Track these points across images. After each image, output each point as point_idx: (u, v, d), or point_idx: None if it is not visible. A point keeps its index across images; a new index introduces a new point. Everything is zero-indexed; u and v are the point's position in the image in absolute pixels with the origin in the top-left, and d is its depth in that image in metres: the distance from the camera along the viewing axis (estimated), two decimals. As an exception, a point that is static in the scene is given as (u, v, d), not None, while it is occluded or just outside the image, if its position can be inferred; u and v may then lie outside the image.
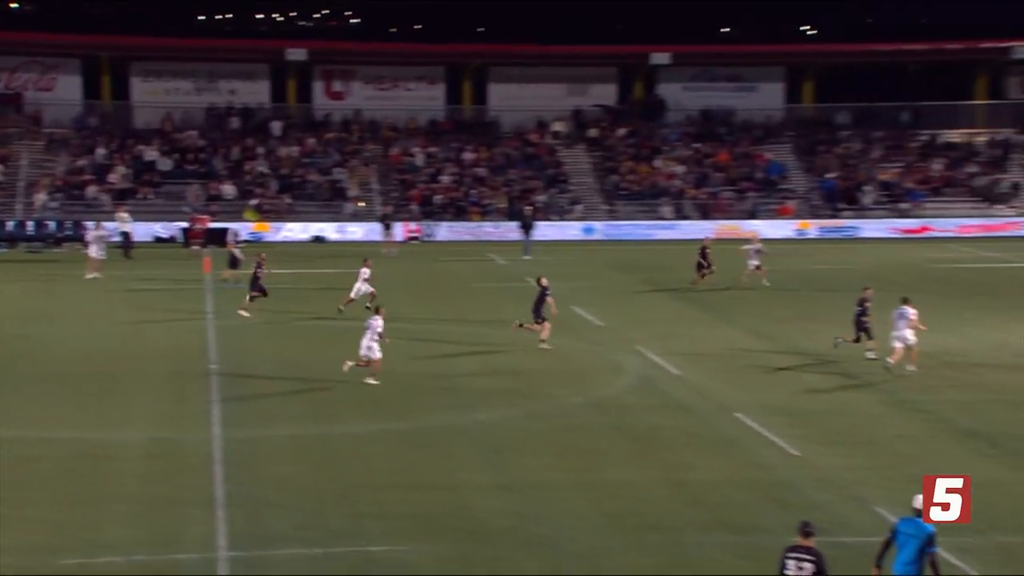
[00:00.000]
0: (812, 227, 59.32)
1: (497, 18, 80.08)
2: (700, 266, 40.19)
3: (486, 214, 60.70)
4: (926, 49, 73.38)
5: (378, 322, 26.35)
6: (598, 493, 19.54)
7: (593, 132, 66.80)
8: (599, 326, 33.93)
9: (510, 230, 57.46)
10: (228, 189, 60.38)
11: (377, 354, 26.20)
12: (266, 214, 58.56)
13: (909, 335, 27.73)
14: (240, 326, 33.88)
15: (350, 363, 26.52)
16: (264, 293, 35.03)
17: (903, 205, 61.60)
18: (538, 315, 30.39)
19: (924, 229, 58.98)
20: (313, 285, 40.13)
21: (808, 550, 13.24)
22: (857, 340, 28.89)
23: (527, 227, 53.04)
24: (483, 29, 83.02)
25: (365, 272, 35.26)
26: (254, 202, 59.31)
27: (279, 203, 59.90)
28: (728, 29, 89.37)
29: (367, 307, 32.31)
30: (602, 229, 60.00)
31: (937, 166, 64.14)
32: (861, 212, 61.37)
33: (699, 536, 17.59)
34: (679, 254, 52.64)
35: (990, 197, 61.95)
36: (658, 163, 64.75)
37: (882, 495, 19.29)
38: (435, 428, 23.43)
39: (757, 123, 67.54)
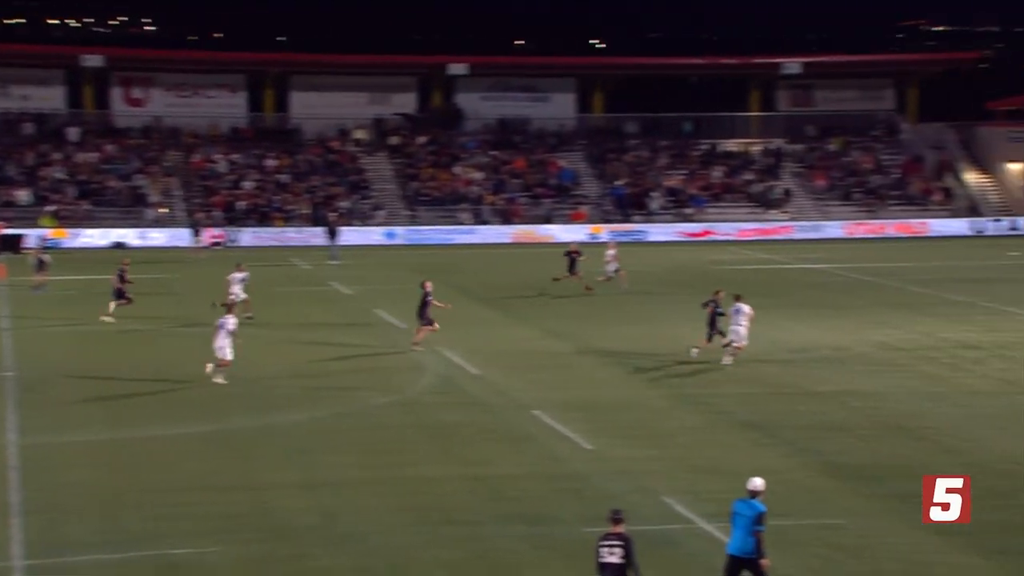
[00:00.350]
0: (604, 231, 60.27)
1: (298, 27, 79.21)
2: (571, 267, 39.82)
3: (289, 220, 59.93)
4: (705, 63, 75.89)
5: (230, 322, 26.22)
6: (401, 490, 19.41)
7: (394, 140, 66.61)
8: (401, 328, 33.78)
9: (313, 235, 56.86)
10: (22, 195, 58.22)
11: (229, 355, 25.97)
12: (64, 220, 56.70)
13: (744, 331, 28.43)
14: (39, 333, 32.70)
15: (211, 365, 26.14)
16: (128, 300, 34.07)
17: (687, 210, 63.12)
18: (423, 318, 30.26)
19: (707, 233, 60.46)
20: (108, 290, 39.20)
21: (618, 536, 13.42)
22: (710, 340, 29.07)
23: (332, 233, 52.55)
24: (284, 38, 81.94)
25: (237, 276, 34.48)
26: (51, 208, 57.33)
27: (77, 209, 58.05)
28: (523, 42, 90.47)
29: (247, 317, 32.26)
30: (404, 234, 59.85)
31: (717, 173, 65.85)
32: (649, 217, 62.68)
33: (498, 528, 17.65)
34: (478, 258, 52.81)
35: (765, 203, 63.86)
36: (457, 170, 65.00)
37: (669, 485, 19.67)
38: (238, 430, 23.00)
39: (551, 132, 68.38)
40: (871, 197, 64.64)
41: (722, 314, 29.05)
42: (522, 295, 41.23)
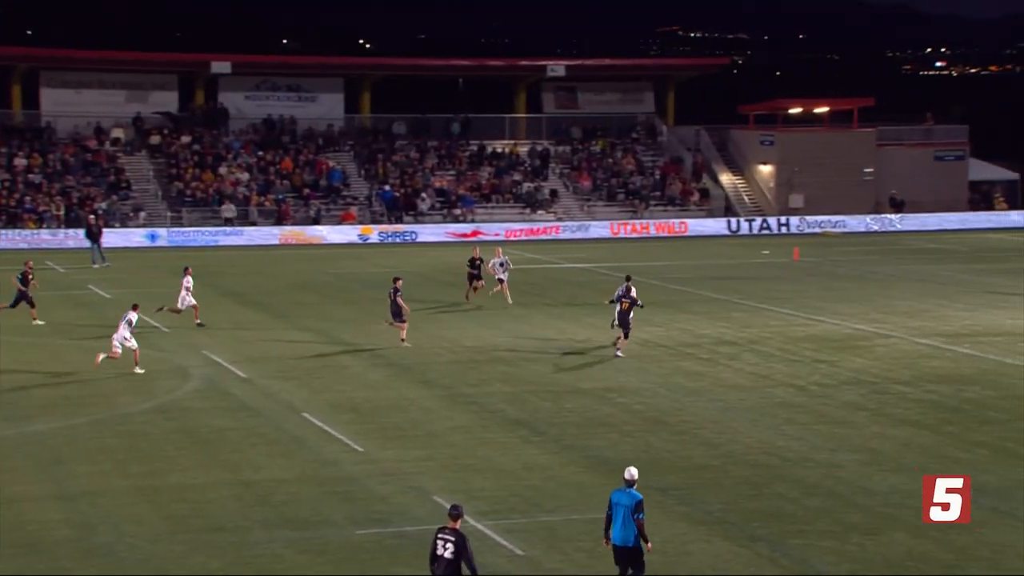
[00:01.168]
0: (374, 232, 60.06)
1: (48, 21, 75.70)
2: (472, 277, 38.05)
3: (42, 221, 57.55)
4: (472, 65, 76.61)
5: (133, 316, 27.49)
6: (162, 498, 18.89)
7: (155, 139, 64.74)
8: (165, 332, 32.91)
9: (69, 237, 54.73)
10: None
11: (135, 344, 27.35)
12: None
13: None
14: None
15: (102, 355, 27.03)
16: (31, 303, 34.19)
17: (456, 211, 63.40)
18: (398, 317, 30.77)
19: (476, 233, 60.63)
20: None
21: (453, 531, 13.62)
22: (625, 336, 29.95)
23: (94, 235, 50.63)
24: (32, 32, 78.22)
25: (187, 281, 34.19)
26: None
27: None
28: (288, 41, 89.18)
29: (198, 323, 33.14)
30: (166, 236, 58.24)
31: (485, 174, 66.31)
32: (419, 217, 62.74)
33: (264, 534, 17.31)
34: (246, 260, 51.67)
35: (532, 203, 64.55)
36: (223, 170, 63.63)
37: (440, 484, 19.68)
38: (-12, 443, 22.03)
39: (319, 132, 67.66)
40: (634, 198, 66.07)
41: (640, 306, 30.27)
42: (292, 297, 40.62)
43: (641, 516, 14.18)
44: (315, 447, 21.93)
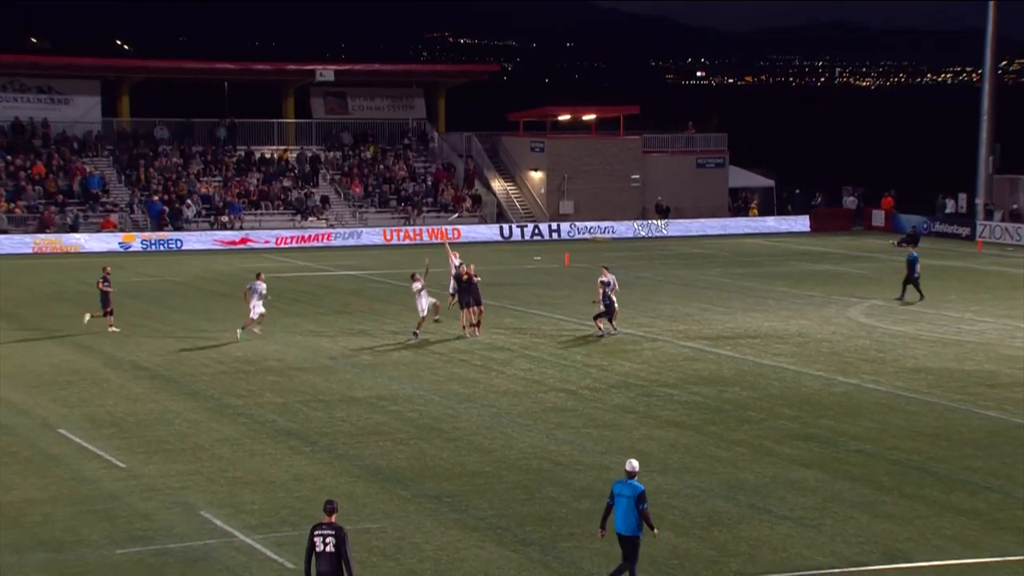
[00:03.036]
0: (136, 240, 58.27)
1: None
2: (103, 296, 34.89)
3: None
4: (238, 68, 74.82)
5: (261, 285, 30.49)
6: (-96, 525, 18.00)
7: None
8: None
9: None
10: None
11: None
12: None
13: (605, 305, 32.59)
14: None
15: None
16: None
17: (223, 218, 62.00)
18: (470, 299, 33.19)
19: (244, 240, 59.50)
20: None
21: (330, 525, 13.85)
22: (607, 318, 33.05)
23: None
24: None
25: (260, 287, 33.49)
26: None
27: None
28: (38, 39, 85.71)
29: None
30: (-93, 245, 55.03)
31: (254, 180, 65.16)
32: (183, 225, 61.20)
33: (15, 559, 16.60)
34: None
35: (302, 210, 63.70)
36: (-31, 175, 60.64)
37: (207, 499, 19.32)
38: None
39: (74, 136, 65.23)
40: (406, 204, 66.00)
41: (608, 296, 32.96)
42: (47, 309, 39.16)
43: (645, 506, 14.91)
44: (73, 464, 21.29)
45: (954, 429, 24.19)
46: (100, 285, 34.37)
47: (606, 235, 64.51)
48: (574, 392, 27.28)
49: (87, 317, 33.80)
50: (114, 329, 33.83)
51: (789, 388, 27.73)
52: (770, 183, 71.77)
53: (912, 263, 41.46)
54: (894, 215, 66.67)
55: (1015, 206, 63.20)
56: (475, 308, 33.57)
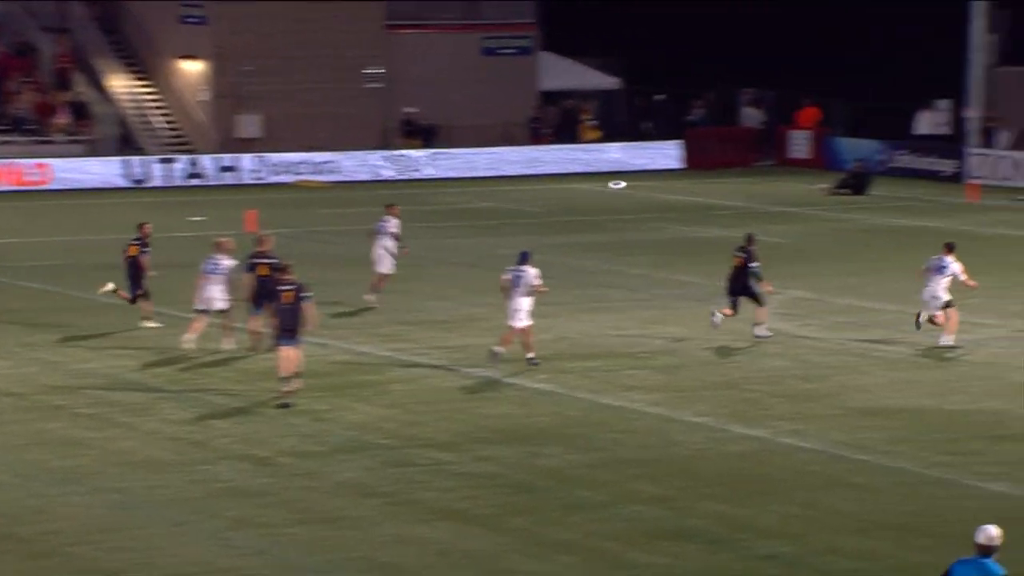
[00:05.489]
0: None
1: None
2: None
3: None
4: None
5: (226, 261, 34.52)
6: None
7: None
8: None
9: None
10: None
11: None
12: None
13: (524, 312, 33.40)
14: None
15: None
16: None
17: None
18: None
19: None
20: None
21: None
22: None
23: None
24: None
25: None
26: None
27: None
28: None
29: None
30: None
31: None
32: None
33: None
34: None
35: None
36: None
37: None
38: None
39: None
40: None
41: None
42: None
43: None
44: None
45: (937, 517, 24.31)
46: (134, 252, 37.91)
47: (322, 176, 64.54)
48: (267, 460, 27.56)
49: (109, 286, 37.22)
50: (152, 324, 37.02)
51: (651, 447, 28.17)
52: (614, 83, 73.50)
53: None
54: (826, 138, 68.11)
55: (1033, 121, 64.05)
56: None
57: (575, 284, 42.43)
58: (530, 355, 33.20)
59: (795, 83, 72.24)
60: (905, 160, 64.39)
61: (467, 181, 63.81)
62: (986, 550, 16.10)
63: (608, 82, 72.53)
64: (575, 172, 65.56)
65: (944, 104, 66.84)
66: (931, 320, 34.82)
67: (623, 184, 61.00)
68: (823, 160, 66.08)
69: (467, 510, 24.46)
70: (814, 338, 36.42)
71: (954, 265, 34.26)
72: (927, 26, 74.19)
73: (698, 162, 66.90)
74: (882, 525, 23.86)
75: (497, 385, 32.32)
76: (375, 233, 38.78)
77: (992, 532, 16.15)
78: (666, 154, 67.47)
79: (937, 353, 34.89)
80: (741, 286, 36.79)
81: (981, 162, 61.80)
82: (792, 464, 27.00)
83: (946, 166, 62.97)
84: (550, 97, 71.43)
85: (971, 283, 34.93)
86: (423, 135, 66.90)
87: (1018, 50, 65.76)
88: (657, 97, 72.96)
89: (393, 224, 38.88)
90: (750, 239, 37.46)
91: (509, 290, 33.31)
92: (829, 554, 22.59)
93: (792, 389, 31.97)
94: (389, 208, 39.55)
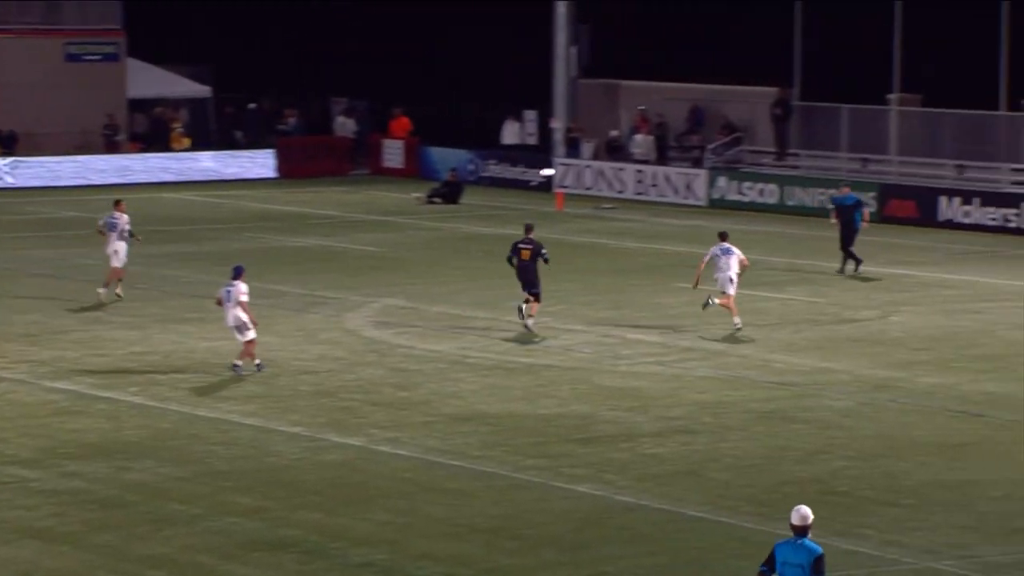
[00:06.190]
0: None
1: None
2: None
3: None
4: None
5: None
6: None
7: None
8: None
9: None
10: None
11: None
12: None
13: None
14: None
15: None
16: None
17: None
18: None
19: None
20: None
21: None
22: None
23: None
24: None
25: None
26: None
27: None
28: None
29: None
30: None
31: None
32: None
33: None
34: None
35: None
36: None
37: None
38: None
39: None
40: None
41: None
42: None
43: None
44: None
45: (526, 519, 24.90)
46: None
47: None
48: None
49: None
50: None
51: (246, 458, 28.19)
52: (205, 92, 73.21)
53: (848, 209, 45.18)
54: (419, 148, 68.94)
55: (614, 132, 64.84)
56: None
57: (167, 295, 42.74)
58: (237, 363, 33.56)
59: (387, 93, 73.26)
60: (496, 169, 65.35)
61: (52, 190, 63.11)
62: (802, 530, 16.86)
63: (198, 90, 72.33)
64: (166, 181, 65.41)
65: (531, 115, 67.78)
66: (723, 304, 36.69)
67: (552, 172, 61.75)
68: (417, 169, 66.86)
69: (52, 528, 24.04)
70: (409, 346, 36.91)
71: (735, 248, 36.62)
72: (516, 37, 74.71)
73: (292, 171, 67.34)
74: (474, 529, 24.22)
75: (85, 399, 31.90)
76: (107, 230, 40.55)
77: (805, 511, 17.00)
78: (259, 163, 67.86)
79: (527, 359, 35.53)
80: (533, 277, 37.96)
81: (566, 172, 62.91)
82: (388, 472, 27.33)
83: (535, 176, 63.72)
84: (140, 105, 70.67)
85: (746, 262, 37.42)
86: (3, 143, 65.67)
87: (597, 63, 66.94)
88: (249, 106, 72.84)
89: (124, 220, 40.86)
90: (529, 228, 38.81)
91: (223, 304, 33.48)
92: (423, 559, 22.84)
93: (388, 397, 32.37)
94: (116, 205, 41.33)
